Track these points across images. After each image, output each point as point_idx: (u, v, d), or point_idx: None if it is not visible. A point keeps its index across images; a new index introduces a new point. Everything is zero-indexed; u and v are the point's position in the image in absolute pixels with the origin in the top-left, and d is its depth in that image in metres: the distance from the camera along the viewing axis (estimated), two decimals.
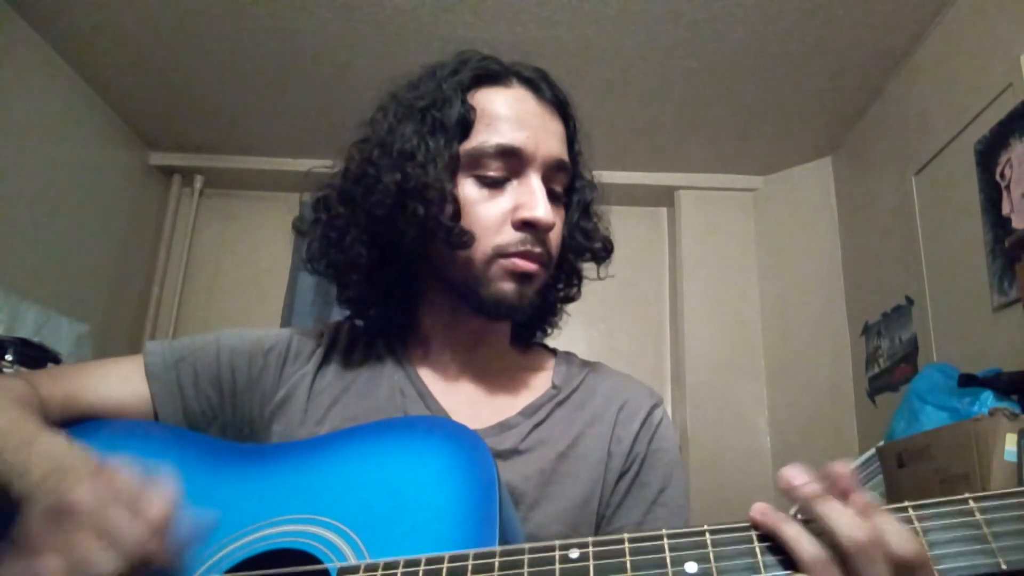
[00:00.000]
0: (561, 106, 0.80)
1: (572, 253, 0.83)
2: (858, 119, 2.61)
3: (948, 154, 2.04)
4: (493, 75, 0.77)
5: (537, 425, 0.76)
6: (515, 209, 0.73)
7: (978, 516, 0.45)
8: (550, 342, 0.92)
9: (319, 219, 0.81)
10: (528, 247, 0.73)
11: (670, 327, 3.11)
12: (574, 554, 0.48)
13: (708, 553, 0.47)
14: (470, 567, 0.49)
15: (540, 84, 0.78)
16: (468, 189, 0.74)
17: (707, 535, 0.48)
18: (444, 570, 0.50)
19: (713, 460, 2.76)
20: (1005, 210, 1.75)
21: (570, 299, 0.88)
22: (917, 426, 1.55)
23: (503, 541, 0.54)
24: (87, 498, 0.50)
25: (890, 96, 2.40)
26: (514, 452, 0.73)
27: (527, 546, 0.50)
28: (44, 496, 0.54)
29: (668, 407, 2.61)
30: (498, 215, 0.73)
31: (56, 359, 1.98)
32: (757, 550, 0.47)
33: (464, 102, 0.74)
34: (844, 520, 0.45)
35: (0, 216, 2.20)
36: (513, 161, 0.74)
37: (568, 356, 0.88)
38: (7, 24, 2.19)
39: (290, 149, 2.95)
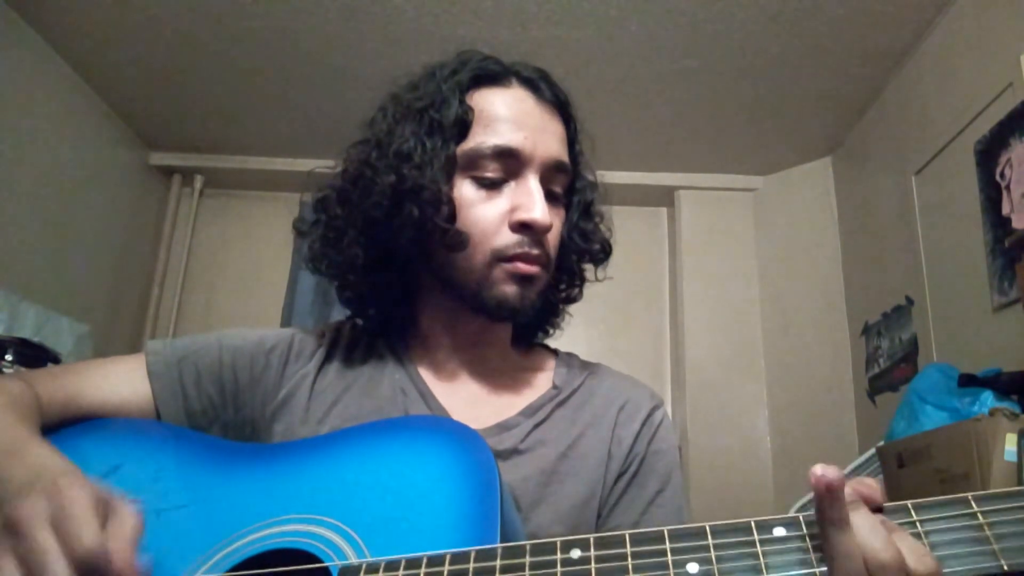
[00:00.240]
0: (561, 106, 0.80)
1: (572, 254, 0.83)
2: (858, 119, 2.62)
3: (948, 154, 2.04)
4: (492, 75, 0.77)
5: (537, 425, 0.76)
6: (512, 210, 0.73)
7: (980, 518, 0.44)
8: (550, 342, 0.92)
9: (319, 220, 0.81)
10: (526, 249, 0.73)
11: (670, 327, 3.11)
12: (575, 553, 0.48)
13: (710, 553, 0.47)
14: (471, 567, 0.49)
15: (540, 84, 0.78)
16: (466, 190, 0.73)
17: (709, 534, 0.48)
18: (446, 570, 0.50)
19: (713, 460, 2.76)
20: (1005, 210, 1.75)
21: (571, 300, 0.88)
22: (917, 426, 1.55)
23: (504, 540, 0.54)
24: (26, 517, 0.48)
25: (890, 96, 2.40)
26: (514, 452, 0.73)
27: (528, 545, 0.50)
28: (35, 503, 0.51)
29: (668, 407, 2.62)
30: (495, 217, 0.73)
31: (56, 359, 1.98)
32: (760, 551, 0.47)
33: (462, 103, 0.74)
34: (875, 536, 0.44)
35: (0, 216, 2.20)
36: (511, 162, 0.73)
37: (569, 357, 0.88)
38: (7, 24, 2.19)
39: (290, 149, 2.96)
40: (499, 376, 0.82)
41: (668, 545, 0.48)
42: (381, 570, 0.52)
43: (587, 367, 0.86)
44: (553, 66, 0.81)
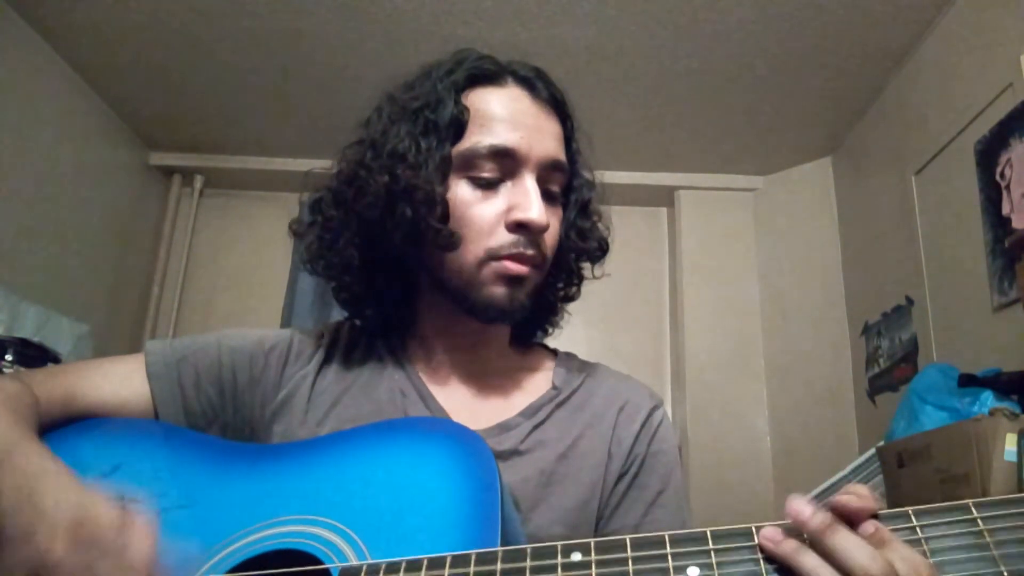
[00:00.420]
0: (558, 105, 0.79)
1: (570, 253, 0.82)
2: (858, 119, 2.61)
3: (948, 154, 2.04)
4: (488, 75, 0.77)
5: (537, 426, 0.76)
6: (509, 210, 0.72)
7: (980, 524, 0.44)
8: (550, 342, 0.92)
9: (315, 221, 0.81)
10: (520, 249, 0.72)
11: (670, 327, 3.11)
12: (576, 557, 0.48)
13: (711, 557, 0.47)
14: (472, 569, 0.49)
15: (536, 83, 0.78)
16: (461, 190, 0.73)
17: (709, 538, 0.47)
18: (447, 572, 0.50)
19: (713, 460, 2.76)
20: (1005, 210, 1.75)
21: (570, 299, 0.87)
22: (917, 426, 1.55)
23: (505, 542, 0.54)
24: (69, 558, 0.49)
25: (890, 96, 2.40)
26: (514, 453, 0.73)
27: (529, 547, 0.50)
28: (16, 541, 0.51)
29: (668, 407, 2.62)
30: (491, 216, 0.73)
31: (56, 359, 1.98)
32: (760, 556, 0.46)
33: (458, 102, 0.74)
34: (859, 553, 0.43)
35: (0, 216, 2.20)
36: (507, 162, 0.73)
37: (568, 357, 0.87)
38: (7, 24, 2.19)
39: (290, 149, 2.95)
40: (498, 377, 0.81)
41: (669, 550, 0.47)
42: (382, 572, 0.52)
43: (586, 367, 0.86)
44: (553, 66, 0.81)
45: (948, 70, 2.06)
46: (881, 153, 2.48)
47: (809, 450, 2.62)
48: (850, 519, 0.46)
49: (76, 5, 2.17)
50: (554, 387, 0.81)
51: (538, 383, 0.82)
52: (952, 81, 2.03)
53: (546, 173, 0.76)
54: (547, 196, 0.75)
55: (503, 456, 0.72)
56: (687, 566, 0.46)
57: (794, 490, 0.50)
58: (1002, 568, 0.42)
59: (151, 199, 3.07)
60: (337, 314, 0.89)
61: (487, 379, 0.81)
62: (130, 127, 2.86)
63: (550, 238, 0.77)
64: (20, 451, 0.59)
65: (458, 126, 0.73)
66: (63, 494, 0.53)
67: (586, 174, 0.84)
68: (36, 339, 2.04)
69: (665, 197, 3.16)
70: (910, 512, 0.46)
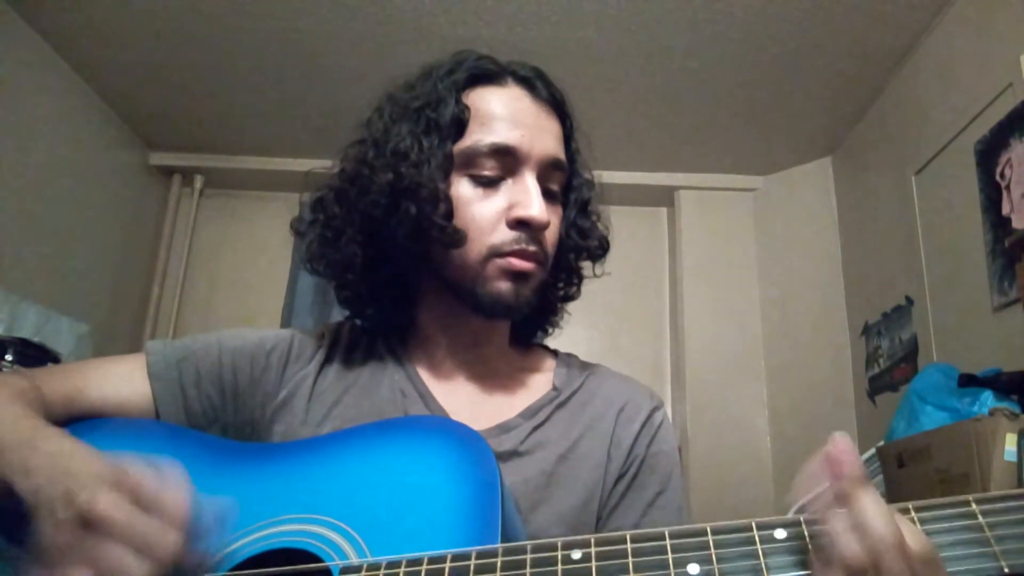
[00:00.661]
0: (557, 104, 0.80)
1: (570, 252, 0.83)
2: (858, 119, 2.62)
3: (948, 154, 2.04)
4: (488, 74, 0.77)
5: (537, 427, 0.76)
6: (510, 208, 0.73)
7: (980, 518, 0.44)
8: (549, 342, 0.92)
9: (316, 219, 0.81)
10: (523, 246, 0.73)
11: (670, 327, 3.11)
12: (576, 554, 0.48)
13: (711, 554, 0.47)
14: (472, 566, 0.49)
15: (536, 83, 0.78)
16: (463, 188, 0.74)
17: (710, 535, 0.48)
18: (447, 569, 0.50)
19: (713, 460, 2.76)
20: (1005, 210, 1.75)
21: (570, 298, 0.88)
22: (917, 426, 1.55)
23: (505, 541, 0.54)
24: (113, 510, 0.50)
25: (890, 96, 2.40)
26: (513, 454, 0.73)
27: (529, 545, 0.50)
28: (58, 504, 0.52)
29: (668, 407, 2.62)
30: (492, 214, 0.73)
31: (56, 359, 1.98)
32: (760, 551, 0.47)
33: (459, 102, 0.74)
34: (883, 515, 0.43)
35: (0, 216, 2.20)
36: (508, 160, 0.74)
37: (569, 358, 0.87)
38: (7, 24, 2.19)
39: (290, 149, 2.96)
40: (498, 377, 0.82)
41: (668, 542, 0.48)
42: (382, 570, 0.52)
43: (587, 368, 0.86)
44: (553, 66, 0.81)
45: (948, 70, 2.06)
46: (881, 153, 2.48)
47: (809, 450, 2.58)
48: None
49: (76, 5, 2.17)
50: (554, 388, 0.81)
51: (538, 384, 0.82)
52: (952, 81, 2.04)
53: (546, 172, 0.76)
54: (547, 195, 0.76)
55: (503, 457, 0.72)
56: (687, 561, 0.47)
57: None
58: (1002, 563, 0.43)
59: (151, 199, 3.07)
60: (337, 314, 0.89)
61: (488, 379, 0.81)
62: (130, 127, 2.86)
63: (550, 236, 0.77)
64: (43, 435, 0.60)
65: (459, 125, 0.74)
66: (97, 461, 0.55)
67: (585, 173, 0.85)
68: (36, 339, 2.05)
69: (665, 197, 3.16)
70: (911, 507, 0.46)
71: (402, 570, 0.51)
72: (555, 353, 0.89)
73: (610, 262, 0.87)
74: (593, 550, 0.48)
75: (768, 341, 2.92)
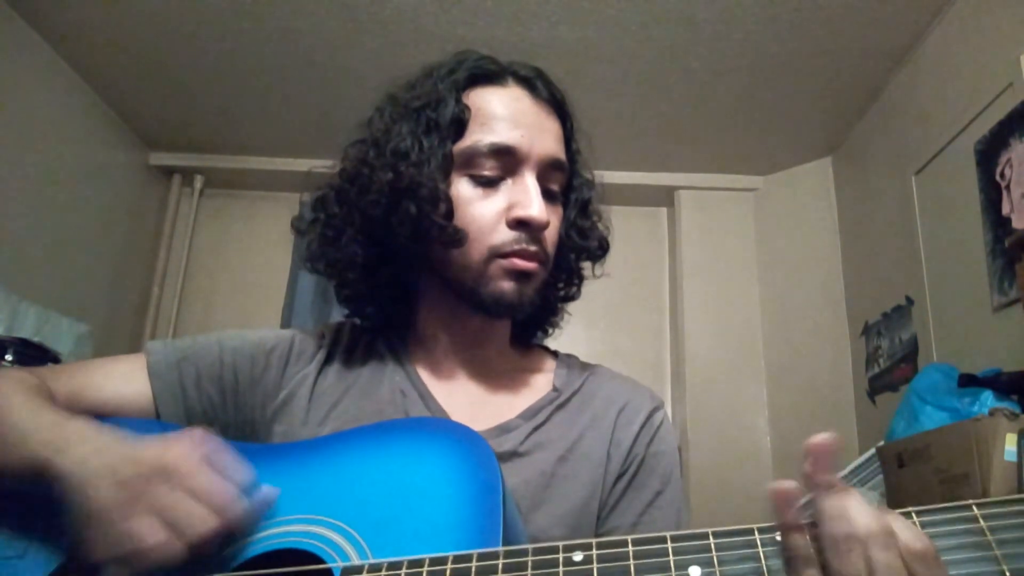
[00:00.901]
0: (558, 104, 0.80)
1: (570, 252, 0.83)
2: (858, 119, 2.62)
3: (948, 154, 2.04)
4: (489, 75, 0.77)
5: (537, 428, 0.76)
6: (509, 208, 0.73)
7: (982, 522, 0.44)
8: (549, 342, 0.92)
9: (317, 218, 0.81)
10: (523, 246, 0.73)
11: (670, 327, 3.11)
12: (578, 556, 0.48)
13: (712, 557, 0.47)
14: (474, 568, 0.49)
15: (536, 83, 0.78)
16: (463, 188, 0.74)
17: (711, 538, 0.48)
18: (448, 571, 0.50)
19: (713, 460, 2.76)
20: (1005, 210, 1.75)
21: (570, 298, 0.88)
22: (917, 426, 1.55)
23: (507, 543, 0.54)
24: (184, 461, 0.54)
25: (890, 96, 2.40)
26: (513, 454, 0.73)
27: (531, 547, 0.50)
28: (120, 465, 0.56)
29: (668, 407, 2.62)
30: (492, 214, 0.73)
31: (56, 359, 1.98)
32: (761, 554, 0.47)
33: (459, 102, 0.75)
34: (863, 509, 0.44)
35: (0, 216, 2.20)
36: (507, 160, 0.74)
37: (569, 358, 0.87)
38: (7, 24, 2.19)
39: (290, 149, 2.96)
40: (498, 377, 0.82)
41: (670, 544, 0.48)
42: (383, 571, 0.52)
43: (587, 369, 0.86)
44: (553, 66, 0.82)
45: (948, 70, 2.06)
46: (881, 153, 2.48)
47: None
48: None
49: (76, 5, 2.17)
50: (554, 388, 0.81)
51: (539, 384, 0.82)
52: (952, 81, 2.04)
53: (546, 172, 0.76)
54: (547, 195, 0.76)
55: (503, 457, 0.72)
56: (689, 564, 0.47)
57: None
58: (1004, 567, 0.43)
59: (151, 199, 3.07)
60: (337, 314, 0.89)
61: (488, 380, 0.81)
62: (130, 127, 2.86)
63: (550, 236, 0.77)
64: (73, 419, 0.63)
65: (459, 125, 0.74)
66: (126, 442, 0.59)
67: (586, 174, 0.85)
68: (36, 339, 2.04)
69: (665, 197, 3.16)
70: (912, 511, 0.46)
71: (403, 571, 0.51)
72: (555, 354, 0.89)
73: (610, 262, 0.87)
74: (595, 552, 0.48)
75: (768, 341, 2.92)
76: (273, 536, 0.59)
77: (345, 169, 0.79)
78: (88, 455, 0.57)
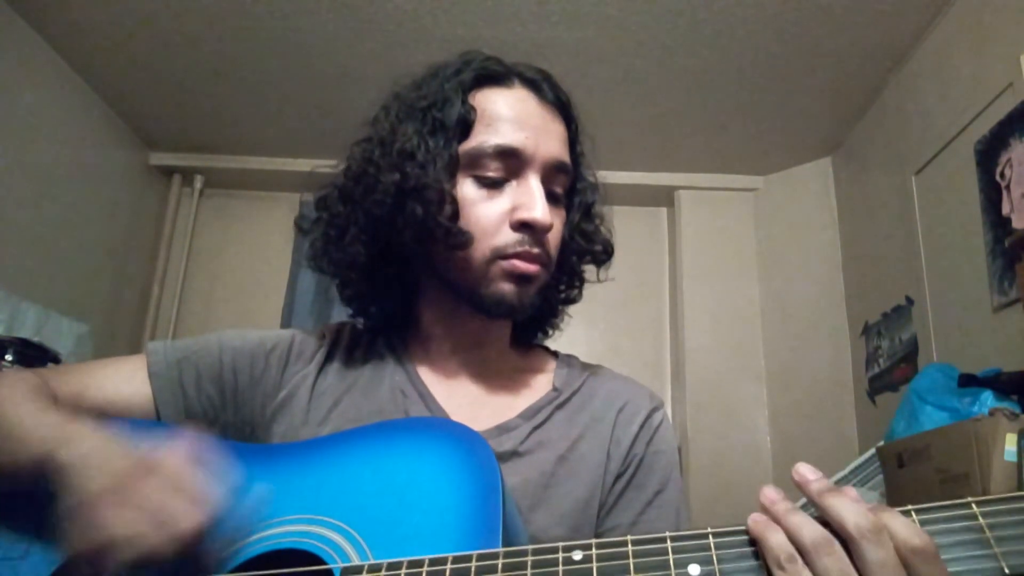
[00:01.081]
0: (563, 107, 0.80)
1: (573, 255, 0.83)
2: (858, 119, 2.62)
3: (948, 154, 2.04)
4: (495, 76, 0.77)
5: (537, 427, 0.76)
6: (513, 210, 0.73)
7: (981, 520, 0.45)
8: (549, 342, 0.92)
9: (320, 217, 0.81)
10: (526, 248, 0.73)
11: (670, 327, 3.11)
12: (577, 556, 0.49)
13: (711, 555, 0.47)
14: (473, 568, 0.49)
15: (542, 85, 0.78)
16: (467, 189, 0.74)
17: (710, 538, 0.48)
18: (448, 571, 0.50)
19: (713, 460, 2.76)
20: (1005, 210, 1.75)
21: (571, 301, 0.88)
22: (917, 426, 1.55)
23: (507, 543, 0.54)
24: (172, 458, 0.54)
25: (890, 96, 2.40)
26: (513, 454, 0.73)
27: (531, 548, 0.50)
28: (116, 458, 0.57)
29: (668, 407, 2.62)
30: (496, 216, 0.73)
31: (56, 359, 1.98)
32: (760, 552, 0.47)
33: (465, 102, 0.74)
34: (852, 508, 0.45)
35: (0, 216, 2.20)
36: (512, 162, 0.74)
37: (569, 358, 0.87)
38: (7, 24, 2.19)
39: (290, 149, 2.96)
40: (499, 377, 0.82)
41: (669, 543, 0.48)
42: (383, 571, 0.52)
43: (587, 369, 0.86)
44: (553, 66, 0.82)
45: (948, 70, 2.06)
46: (881, 153, 2.48)
47: (809, 450, 2.62)
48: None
49: (76, 5, 2.17)
50: (554, 388, 0.81)
51: (539, 384, 0.83)
52: (952, 81, 2.04)
53: (550, 174, 0.76)
54: (551, 197, 0.76)
55: (503, 457, 0.72)
56: (688, 563, 0.47)
57: (794, 490, 0.50)
58: (1002, 564, 0.43)
59: (151, 199, 3.07)
60: (337, 314, 0.89)
61: (488, 380, 0.81)
62: (130, 127, 2.86)
63: (553, 239, 0.77)
64: (72, 418, 0.64)
65: (465, 125, 0.74)
66: (125, 441, 0.60)
67: (589, 177, 0.85)
68: (36, 339, 2.04)
69: (665, 197, 3.16)
70: (911, 509, 0.46)
71: (403, 572, 0.51)
72: (555, 354, 0.89)
73: (610, 263, 0.87)
74: (594, 552, 0.48)
75: (768, 341, 2.92)
76: (273, 536, 0.59)
77: (350, 168, 0.78)
78: (88, 451, 0.58)
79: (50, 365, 1.92)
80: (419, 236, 0.73)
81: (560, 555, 0.49)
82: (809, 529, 0.45)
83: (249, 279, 3.11)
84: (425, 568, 0.50)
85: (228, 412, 0.77)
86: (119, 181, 2.84)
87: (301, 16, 2.19)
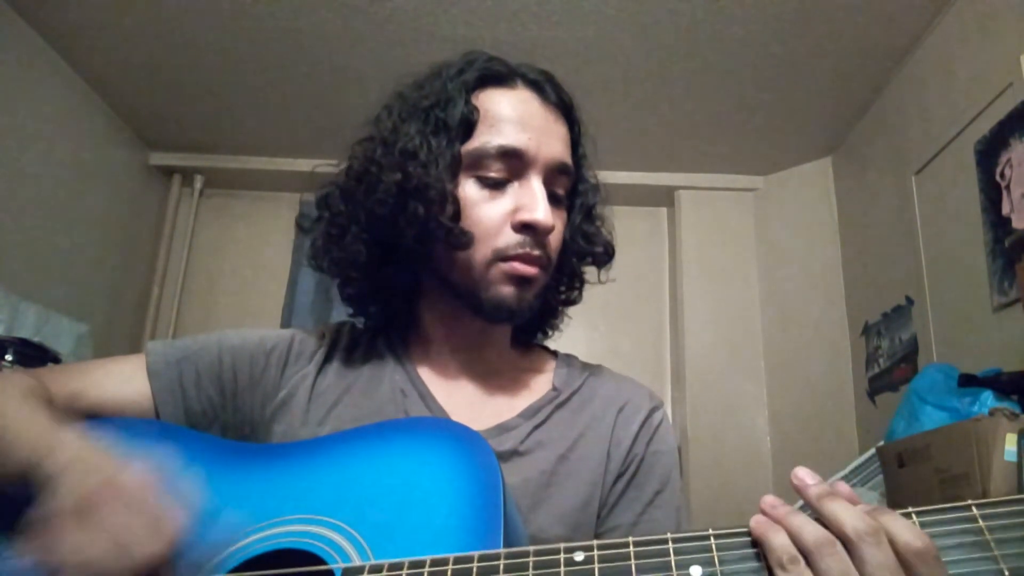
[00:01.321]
0: (566, 109, 0.80)
1: (573, 256, 0.83)
2: (858, 119, 2.62)
3: (948, 154, 2.04)
4: (498, 76, 0.77)
5: (537, 427, 0.76)
6: (515, 211, 0.73)
7: (981, 522, 0.45)
8: (550, 342, 0.92)
9: (322, 216, 0.81)
10: (527, 249, 0.73)
11: (670, 327, 3.11)
12: (579, 556, 0.49)
13: (713, 557, 0.47)
14: (475, 569, 0.49)
15: (545, 86, 0.78)
16: (469, 190, 0.74)
17: (712, 539, 0.48)
18: (449, 571, 0.50)
19: (713, 460, 2.76)
20: (1005, 210, 1.75)
21: (571, 302, 0.88)
22: (917, 426, 1.55)
23: (508, 543, 0.54)
24: (138, 480, 0.53)
25: (890, 96, 2.40)
26: (513, 454, 0.73)
27: (532, 548, 0.50)
28: (91, 472, 0.55)
29: (668, 407, 2.62)
30: (498, 216, 0.73)
31: (56, 359, 1.98)
32: (762, 553, 0.47)
33: (468, 102, 0.74)
34: (850, 512, 0.45)
35: (0, 215, 2.20)
36: (514, 162, 0.74)
37: (569, 358, 0.88)
38: (7, 24, 2.19)
39: (290, 149, 2.96)
40: (499, 377, 0.82)
41: (671, 545, 0.48)
42: (384, 572, 0.52)
43: (587, 368, 0.86)
44: (553, 66, 0.82)
45: (948, 70, 2.06)
46: (881, 153, 2.48)
47: (809, 450, 2.62)
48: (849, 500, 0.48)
49: (76, 5, 2.17)
50: (554, 388, 0.81)
51: (539, 384, 0.83)
52: (952, 81, 2.04)
53: (552, 175, 0.76)
54: (552, 198, 0.76)
55: (503, 457, 0.72)
56: (690, 564, 0.47)
57: (792, 493, 0.50)
58: (1002, 566, 0.43)
59: (151, 199, 3.07)
60: (337, 314, 0.89)
61: (488, 379, 0.81)
62: (130, 127, 2.86)
63: (554, 240, 0.77)
64: (65, 424, 0.63)
65: (467, 126, 0.74)
66: (106, 453, 0.58)
67: (591, 179, 0.85)
68: (36, 339, 2.04)
69: (665, 197, 3.16)
70: (912, 511, 0.46)
71: (405, 572, 0.51)
72: (555, 354, 0.89)
73: (611, 266, 0.87)
74: (596, 553, 0.48)
75: (768, 341, 2.92)
76: (273, 536, 0.59)
77: (352, 167, 0.78)
78: (67, 463, 0.57)
79: (50, 365, 1.92)
80: (420, 236, 0.73)
81: (562, 556, 0.49)
82: (811, 530, 0.45)
83: (249, 279, 3.10)
84: (427, 568, 0.50)
85: (228, 412, 0.77)
86: (119, 181, 2.84)
87: (301, 16, 2.19)
